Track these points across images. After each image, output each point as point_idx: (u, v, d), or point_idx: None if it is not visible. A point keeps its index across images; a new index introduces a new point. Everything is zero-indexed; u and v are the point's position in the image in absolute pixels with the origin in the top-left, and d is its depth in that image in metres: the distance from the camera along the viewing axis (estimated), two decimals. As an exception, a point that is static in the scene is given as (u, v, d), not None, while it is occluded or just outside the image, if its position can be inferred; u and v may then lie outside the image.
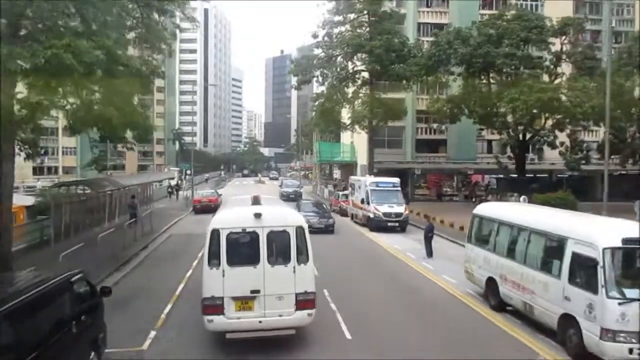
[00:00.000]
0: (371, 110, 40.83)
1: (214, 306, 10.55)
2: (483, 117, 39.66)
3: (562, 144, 39.24)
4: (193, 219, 36.26)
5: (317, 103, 46.48)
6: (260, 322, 10.62)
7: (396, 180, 31.74)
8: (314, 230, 23.39)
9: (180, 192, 52.69)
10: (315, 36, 43.50)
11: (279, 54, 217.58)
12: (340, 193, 40.42)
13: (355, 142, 58.71)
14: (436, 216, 33.04)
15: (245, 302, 10.61)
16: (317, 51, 43.71)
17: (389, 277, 18.65)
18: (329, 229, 28.04)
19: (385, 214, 29.06)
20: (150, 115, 27.69)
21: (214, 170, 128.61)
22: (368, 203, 30.06)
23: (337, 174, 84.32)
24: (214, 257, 10.64)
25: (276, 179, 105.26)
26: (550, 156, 48.04)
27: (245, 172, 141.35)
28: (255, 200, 12.34)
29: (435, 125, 51.44)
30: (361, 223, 31.52)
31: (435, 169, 52.53)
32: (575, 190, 38.00)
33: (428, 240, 21.67)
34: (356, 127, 45.33)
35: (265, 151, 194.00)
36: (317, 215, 28.77)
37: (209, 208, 37.70)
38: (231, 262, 10.64)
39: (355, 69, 43.68)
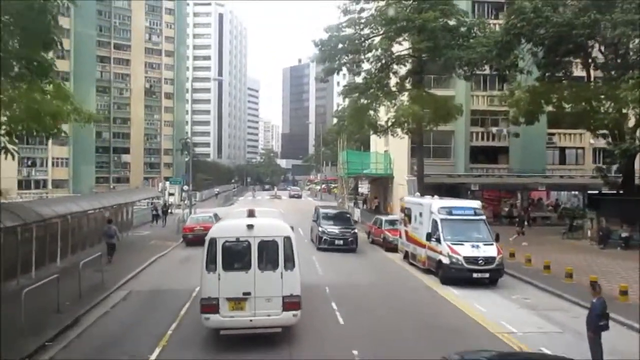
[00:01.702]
0: (422, 108, 30.39)
1: (210, 306, 11.62)
2: (578, 115, 29.09)
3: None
4: (179, 256, 25.98)
5: (348, 99, 35.97)
6: (251, 320, 11.67)
7: (477, 204, 21.12)
8: None
9: (181, 212, 42.51)
10: (346, 12, 33.25)
11: (297, 63, 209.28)
12: (384, 219, 29.75)
13: (390, 151, 48.30)
14: (525, 254, 22.59)
15: (238, 302, 11.65)
16: (349, 31, 33.41)
17: None
18: None
19: (468, 260, 18.41)
20: (68, 92, 16.68)
21: (228, 182, 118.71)
22: (438, 240, 19.46)
23: (362, 187, 73.80)
24: (211, 263, 11.69)
25: (299, 196, 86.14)
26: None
27: (267, 186, 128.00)
28: (250, 214, 12.59)
29: (499, 130, 41.06)
30: (423, 268, 20.98)
31: (495, 184, 41.56)
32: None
33: (597, 332, 10.98)
34: (398, 130, 34.95)
35: (282, 163, 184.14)
36: None
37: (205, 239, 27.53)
38: (226, 267, 11.68)
39: (401, 52, 33.30)
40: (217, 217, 29.29)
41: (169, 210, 39.82)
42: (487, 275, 18.49)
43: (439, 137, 42.41)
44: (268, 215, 14.63)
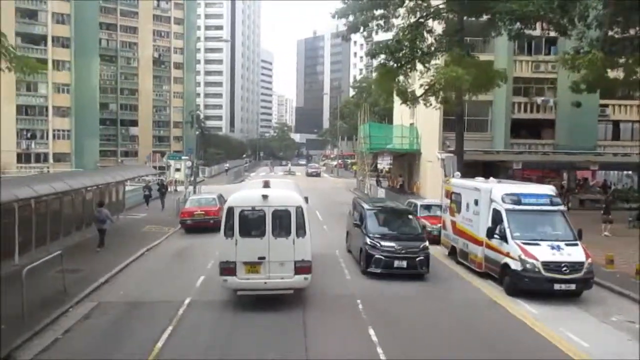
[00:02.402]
0: (465, 72, 25.32)
1: (228, 269, 12.52)
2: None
3: None
4: (174, 247, 21.58)
5: (376, 61, 30.91)
6: (265, 283, 12.54)
7: (551, 190, 16.37)
8: None
9: (184, 191, 38.29)
10: (374, -43, 28.01)
11: (311, 36, 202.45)
12: (420, 203, 25.05)
13: (417, 124, 43.37)
14: (606, 254, 17.94)
15: (253, 266, 12.53)
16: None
17: None
18: None
19: (547, 266, 13.71)
20: None
21: (240, 157, 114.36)
22: (503, 238, 14.81)
23: (382, 164, 68.80)
24: (229, 229, 12.61)
25: (317, 174, 72.80)
26: None
27: (285, 162, 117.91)
28: (265, 184, 13.61)
29: (545, 100, 36.08)
30: (480, 271, 16.37)
31: (541, 162, 36.49)
32: None
33: None
34: (431, 99, 30.14)
35: (296, 137, 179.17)
36: None
37: (206, 225, 23.45)
38: (243, 233, 12.56)
39: (439, 5, 28.14)
40: (221, 199, 25.00)
41: (168, 189, 34.74)
42: (572, 286, 13.81)
43: (474, 109, 37.33)
44: (282, 187, 15.05)
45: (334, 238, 22.28)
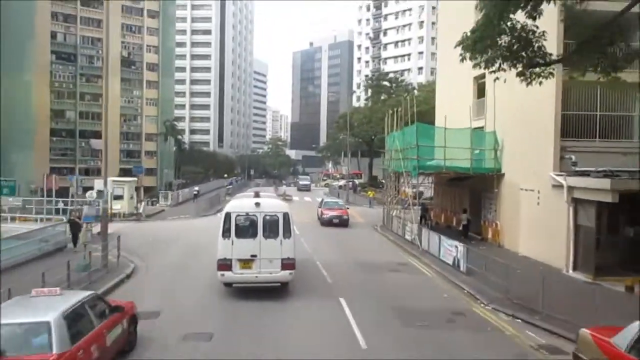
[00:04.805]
0: None
1: (225, 265, 14.99)
2: None
3: None
4: None
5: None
6: (256, 277, 15.07)
7: None
8: None
9: (84, 248, 21.30)
10: None
11: (308, 47, 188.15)
12: None
13: (491, 127, 26.73)
14: None
15: (246, 262, 15.02)
16: None
17: None
18: None
19: None
20: None
21: (227, 176, 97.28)
22: None
23: (405, 187, 51.18)
24: (226, 231, 15.02)
25: (342, 222, 33.77)
26: None
27: (284, 182, 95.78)
28: (256, 195, 16.29)
29: None
30: None
31: None
32: None
33: None
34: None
35: (292, 154, 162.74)
36: None
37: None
38: (238, 235, 15.06)
39: None
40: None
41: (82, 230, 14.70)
42: None
43: (604, 100, 21.36)
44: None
45: None
